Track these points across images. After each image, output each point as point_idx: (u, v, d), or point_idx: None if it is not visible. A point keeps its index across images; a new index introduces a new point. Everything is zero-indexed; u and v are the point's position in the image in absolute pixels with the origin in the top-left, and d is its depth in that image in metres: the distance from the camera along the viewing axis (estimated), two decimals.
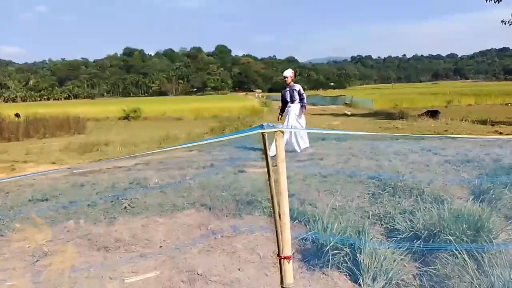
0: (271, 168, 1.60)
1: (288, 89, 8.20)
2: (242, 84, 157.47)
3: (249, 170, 6.91)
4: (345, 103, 40.77)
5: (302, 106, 8.19)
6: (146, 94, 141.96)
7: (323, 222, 3.94)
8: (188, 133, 16.13)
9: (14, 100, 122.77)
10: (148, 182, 6.05)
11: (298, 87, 8.24)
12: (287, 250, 1.61)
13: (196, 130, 18.45)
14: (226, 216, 4.75)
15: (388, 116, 22.24)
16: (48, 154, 11.08)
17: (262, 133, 1.58)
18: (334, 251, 3.48)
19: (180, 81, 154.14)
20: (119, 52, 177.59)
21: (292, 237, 3.80)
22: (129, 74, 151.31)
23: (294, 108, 8.08)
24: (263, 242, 3.99)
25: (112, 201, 5.28)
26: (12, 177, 6.98)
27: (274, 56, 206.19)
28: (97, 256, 3.88)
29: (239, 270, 3.43)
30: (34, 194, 5.84)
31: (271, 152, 6.15)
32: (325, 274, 3.37)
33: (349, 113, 28.04)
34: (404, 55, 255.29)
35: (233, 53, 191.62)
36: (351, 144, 8.48)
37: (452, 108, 27.30)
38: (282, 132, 1.55)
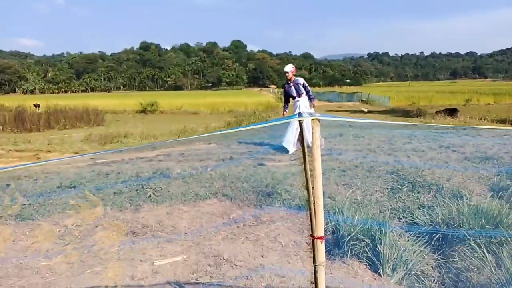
0: (306, 154, 1.72)
1: (291, 84, 8.04)
2: (257, 79, 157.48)
3: (268, 164, 7.03)
4: (361, 100, 40.50)
5: (310, 99, 8.07)
6: (161, 88, 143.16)
7: (343, 214, 4.05)
8: (205, 127, 16.34)
9: (32, 92, 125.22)
10: (171, 172, 6.23)
11: (301, 80, 8.10)
12: (320, 231, 1.73)
13: (213, 124, 18.66)
14: (248, 206, 4.89)
15: (405, 113, 22.09)
16: (70, 144, 11.39)
17: (299, 120, 1.70)
18: (355, 242, 3.59)
19: (195, 75, 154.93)
20: (136, 46, 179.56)
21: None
22: (145, 68, 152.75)
23: (303, 102, 7.96)
24: (284, 232, 4.11)
25: (137, 190, 5.47)
26: (40, 162, 7.24)
27: (290, 52, 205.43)
28: (126, 241, 4.06)
29: (262, 257, 3.56)
30: (62, 181, 6.08)
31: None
32: (346, 263, 3.48)
33: (365, 110, 27.90)
34: (422, 52, 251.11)
35: (248, 49, 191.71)
36: (369, 140, 8.53)
37: (470, 107, 26.94)
38: (319, 120, 1.66)
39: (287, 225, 4.28)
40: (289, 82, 8.09)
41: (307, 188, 1.75)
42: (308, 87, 8.13)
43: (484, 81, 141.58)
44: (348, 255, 3.54)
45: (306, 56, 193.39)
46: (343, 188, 5.25)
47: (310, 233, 1.80)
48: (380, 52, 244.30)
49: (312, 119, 1.67)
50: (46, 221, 4.69)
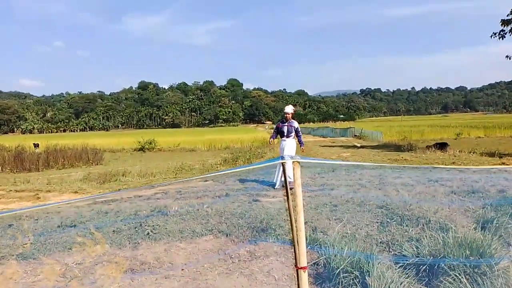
0: (289, 192, 1.97)
1: (286, 124, 8.57)
2: (252, 116, 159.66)
3: (263, 200, 7.23)
4: (355, 135, 41.12)
5: (300, 143, 8.75)
6: (159, 126, 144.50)
7: (334, 248, 4.23)
8: (202, 164, 16.56)
9: (31, 132, 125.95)
10: (168, 210, 6.41)
11: (296, 124, 8.65)
12: (303, 261, 1.95)
13: (210, 160, 18.90)
14: (242, 242, 5.05)
15: (397, 148, 22.48)
16: (69, 183, 11.55)
17: (282, 163, 1.96)
18: (345, 274, 3.76)
19: (193, 113, 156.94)
20: (134, 85, 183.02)
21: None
22: (144, 106, 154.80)
23: (288, 143, 8.50)
24: (278, 266, 4.27)
25: (135, 227, 5.63)
26: (40, 205, 7.41)
27: (285, 89, 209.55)
28: (125, 278, 4.21)
29: None
30: (62, 220, 6.24)
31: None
32: None
33: (358, 145, 28.34)
34: (413, 88, 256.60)
35: (244, 87, 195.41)
36: (360, 176, 8.78)
37: (461, 140, 27.44)
38: (299, 162, 1.92)
39: (280, 260, 4.44)
40: (284, 120, 8.63)
41: (291, 222, 1.99)
42: (300, 132, 8.74)
43: (475, 115, 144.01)
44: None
45: (300, 93, 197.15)
46: (334, 223, 5.43)
47: (294, 264, 2.01)
48: (373, 88, 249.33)
49: (293, 161, 1.93)
50: (48, 260, 4.82)
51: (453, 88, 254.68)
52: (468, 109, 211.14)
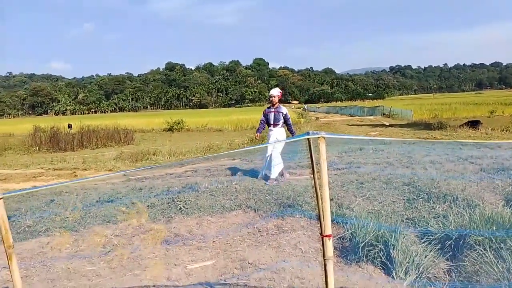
0: (315, 166, 2.09)
1: (273, 110, 7.34)
2: None
3: (289, 178, 7.38)
4: (383, 114, 40.34)
5: (291, 132, 7.54)
6: (187, 107, 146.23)
7: (359, 223, 4.34)
8: (229, 143, 16.83)
9: (64, 113, 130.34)
10: (199, 186, 6.67)
11: (284, 110, 7.42)
12: (328, 230, 2.09)
13: (236, 140, 19.18)
14: (270, 217, 5.24)
15: (427, 126, 22.00)
16: (103, 162, 12.07)
17: (308, 138, 2.08)
18: (369, 248, 3.89)
19: (219, 94, 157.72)
20: (162, 66, 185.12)
21: (332, 234, 4.25)
22: (171, 87, 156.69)
23: (276, 133, 7.33)
24: (305, 240, 4.43)
25: (168, 203, 5.92)
26: (81, 179, 7.83)
27: (311, 67, 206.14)
28: (160, 249, 4.49)
29: (284, 261, 3.90)
30: (100, 196, 6.62)
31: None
32: (361, 268, 3.78)
33: (387, 123, 27.87)
34: (446, 64, 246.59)
35: (270, 66, 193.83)
36: (388, 154, 8.75)
37: (495, 118, 26.46)
38: (324, 138, 2.04)
39: (307, 234, 4.60)
40: (271, 107, 7.42)
41: (316, 194, 2.12)
42: (290, 120, 7.49)
43: (511, 92, 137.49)
44: (363, 260, 3.83)
45: (328, 71, 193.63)
46: (361, 200, 5.52)
47: (320, 232, 2.16)
48: (403, 65, 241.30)
49: (318, 137, 2.05)
50: (88, 231, 5.18)
51: (487, 64, 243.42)
52: (504, 86, 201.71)
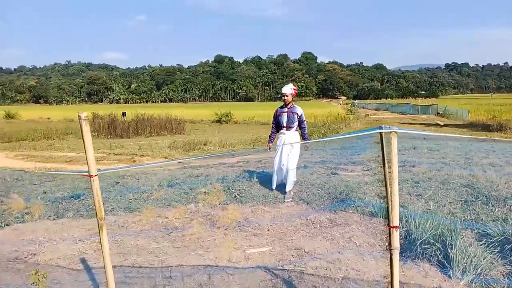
0: (386, 158, 2.19)
1: (286, 110, 6.27)
2: (326, 90, 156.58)
3: (341, 173, 7.41)
4: (437, 113, 38.71)
5: (304, 137, 6.43)
6: (233, 100, 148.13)
7: (415, 222, 4.34)
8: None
9: (118, 102, 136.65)
10: (252, 176, 6.89)
11: (299, 110, 6.30)
12: (396, 222, 2.18)
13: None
14: (323, 210, 5.35)
15: (485, 127, 20.91)
16: (158, 150, 12.67)
17: (380, 132, 2.17)
18: (426, 246, 3.90)
19: (266, 87, 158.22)
20: (211, 59, 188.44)
21: (385, 232, 4.29)
22: (219, 80, 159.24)
23: (289, 137, 6.21)
24: (359, 234, 4.50)
25: (223, 190, 6.18)
26: (143, 164, 8.32)
27: (361, 62, 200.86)
28: (219, 233, 4.75)
29: (339, 253, 4.01)
30: (160, 181, 7.02)
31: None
32: (417, 265, 3.80)
33: (441, 123, 26.75)
34: (506, 63, 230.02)
35: (318, 60, 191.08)
36: (444, 154, 8.52)
37: None
38: (397, 132, 2.12)
39: (360, 228, 4.66)
40: (284, 106, 6.36)
41: (386, 187, 2.21)
42: (305, 122, 6.44)
43: None
44: (420, 258, 3.85)
45: (379, 67, 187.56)
46: (415, 198, 5.48)
47: (387, 223, 2.25)
48: (459, 62, 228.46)
49: (390, 132, 2.14)
50: (150, 213, 5.56)
51: None
52: None
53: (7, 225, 5.29)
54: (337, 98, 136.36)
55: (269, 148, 6.53)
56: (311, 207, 5.51)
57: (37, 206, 5.55)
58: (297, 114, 6.26)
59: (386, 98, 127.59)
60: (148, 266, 3.82)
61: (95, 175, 2.56)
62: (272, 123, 6.52)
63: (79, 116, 2.47)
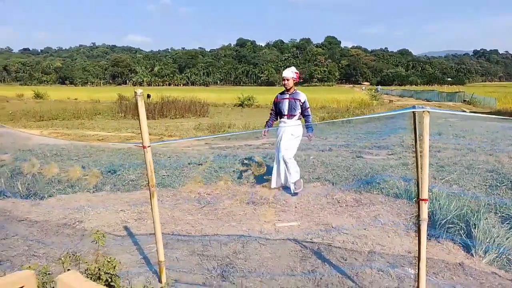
0: (418, 138, 2.36)
1: (287, 96, 5.64)
2: (349, 76, 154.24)
3: (366, 157, 7.55)
4: (464, 101, 37.83)
5: (308, 127, 5.59)
6: (255, 84, 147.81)
7: (439, 203, 4.49)
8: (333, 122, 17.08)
9: (141, 84, 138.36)
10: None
11: (303, 97, 5.63)
12: (425, 195, 2.36)
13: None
14: (348, 190, 5.53)
15: None
16: (185, 131, 13.02)
17: (414, 111, 2.34)
18: (450, 225, 4.05)
19: None
20: (233, 42, 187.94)
21: (409, 212, 4.46)
22: (241, 64, 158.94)
23: (290, 127, 5.52)
24: (384, 214, 4.68)
25: (251, 170, 6.43)
26: (174, 140, 8.65)
27: (386, 48, 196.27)
28: (248, 208, 5.01)
29: (364, 229, 4.21)
30: (190, 159, 7.33)
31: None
32: (440, 243, 3.96)
33: (467, 111, 26.22)
34: None
35: (342, 45, 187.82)
36: (469, 141, 8.52)
37: None
38: (428, 112, 2.29)
39: (385, 209, 4.84)
40: (285, 92, 5.72)
41: (416, 162, 2.39)
42: (309, 109, 5.69)
43: None
44: (443, 237, 4.01)
45: (404, 53, 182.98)
46: (440, 182, 5.60)
47: (417, 196, 2.44)
48: (488, 49, 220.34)
49: (423, 111, 2.30)
50: (183, 189, 5.87)
51: None
52: None
53: (50, 196, 5.70)
54: (360, 83, 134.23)
55: (264, 133, 5.82)
56: (336, 187, 5.69)
57: (94, 174, 5.97)
58: (300, 100, 5.56)
59: (411, 85, 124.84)
60: (186, 234, 4.12)
61: (148, 146, 2.81)
62: (271, 110, 5.84)
63: (135, 92, 2.73)
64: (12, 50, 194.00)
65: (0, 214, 4.82)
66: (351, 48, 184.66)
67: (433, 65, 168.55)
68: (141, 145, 2.83)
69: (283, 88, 5.86)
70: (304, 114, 5.60)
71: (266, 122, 5.86)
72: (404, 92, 63.84)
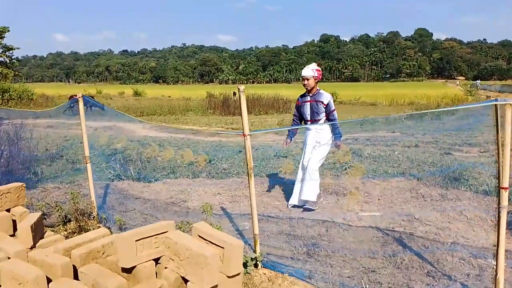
0: (499, 126, 2.49)
1: (309, 98, 5.02)
2: (442, 70, 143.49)
3: (455, 153, 7.35)
4: None
5: (335, 132, 4.94)
6: (338, 80, 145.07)
7: None
8: (385, 118, 16.68)
9: (226, 82, 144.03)
10: (362, 152, 7.26)
11: (326, 98, 4.98)
12: (505, 183, 2.49)
13: (392, 115, 18.83)
14: (434, 186, 5.53)
15: None
16: (269, 126, 13.59)
17: (495, 104, 2.47)
18: None
19: (373, 67, 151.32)
20: (317, 38, 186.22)
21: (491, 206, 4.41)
22: (324, 60, 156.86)
23: (315, 132, 4.96)
24: (470, 209, 4.65)
25: (334, 163, 6.70)
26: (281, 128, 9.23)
27: (484, 39, 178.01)
28: (331, 198, 5.31)
29: (448, 222, 4.26)
30: (275, 152, 7.81)
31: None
32: None
33: None
34: None
35: (434, 37, 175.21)
36: None
37: None
38: (511, 104, 2.40)
39: (472, 204, 4.79)
40: (306, 94, 5.09)
41: (498, 152, 2.52)
42: (335, 112, 5.05)
43: None
44: None
45: (505, 44, 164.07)
46: None
47: (497, 185, 2.56)
48: None
49: (505, 104, 2.43)
50: (270, 178, 6.36)
51: None
52: None
53: (157, 180, 6.56)
54: (454, 78, 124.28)
55: (285, 144, 5.25)
56: (421, 182, 5.72)
57: (203, 158, 6.90)
58: (322, 102, 4.93)
59: None
60: (274, 216, 4.58)
61: (248, 134, 3.29)
62: (294, 115, 5.31)
63: (238, 88, 3.22)
64: (113, 51, 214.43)
65: (120, 192, 5.74)
66: (444, 40, 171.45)
67: None
68: (241, 133, 3.30)
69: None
70: (329, 118, 4.92)
71: (288, 131, 5.26)
72: (505, 88, 57.72)
